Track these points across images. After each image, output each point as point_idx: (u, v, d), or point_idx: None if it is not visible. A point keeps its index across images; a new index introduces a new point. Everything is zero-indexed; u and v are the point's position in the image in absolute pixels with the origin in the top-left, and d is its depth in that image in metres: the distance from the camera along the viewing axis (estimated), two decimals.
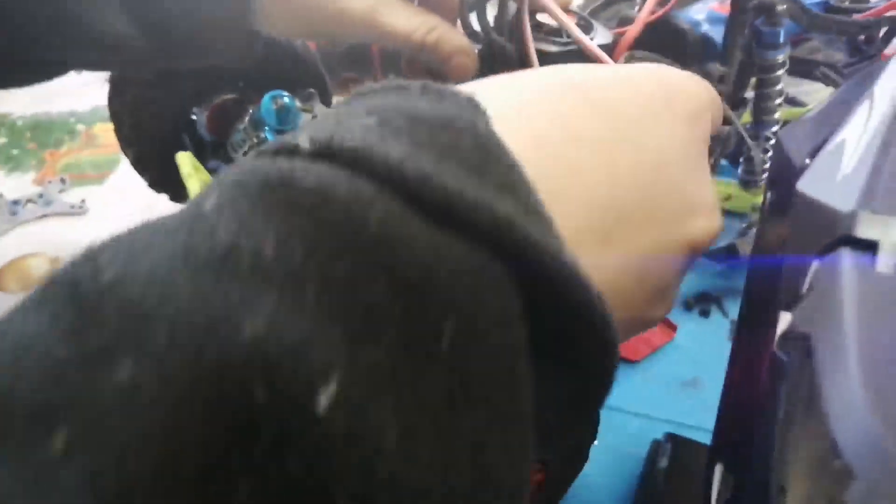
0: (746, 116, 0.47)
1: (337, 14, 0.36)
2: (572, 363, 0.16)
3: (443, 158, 0.14)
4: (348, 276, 0.12)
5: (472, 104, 0.17)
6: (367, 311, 0.12)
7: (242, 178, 0.14)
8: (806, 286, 0.18)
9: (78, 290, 0.12)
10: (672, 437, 0.42)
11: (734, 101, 0.45)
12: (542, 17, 0.40)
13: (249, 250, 0.12)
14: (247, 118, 0.47)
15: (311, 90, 0.46)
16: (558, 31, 0.40)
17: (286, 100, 0.43)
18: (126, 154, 0.55)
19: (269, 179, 0.13)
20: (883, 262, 0.16)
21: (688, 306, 0.55)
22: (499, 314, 0.14)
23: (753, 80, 0.44)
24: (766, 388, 0.19)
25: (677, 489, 0.39)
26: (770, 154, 0.44)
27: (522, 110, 0.18)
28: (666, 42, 0.43)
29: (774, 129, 0.45)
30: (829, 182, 0.19)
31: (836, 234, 0.17)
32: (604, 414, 0.40)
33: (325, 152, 0.14)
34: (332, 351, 0.12)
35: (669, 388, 0.49)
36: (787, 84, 0.57)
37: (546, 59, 0.39)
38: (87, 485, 0.10)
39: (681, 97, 0.20)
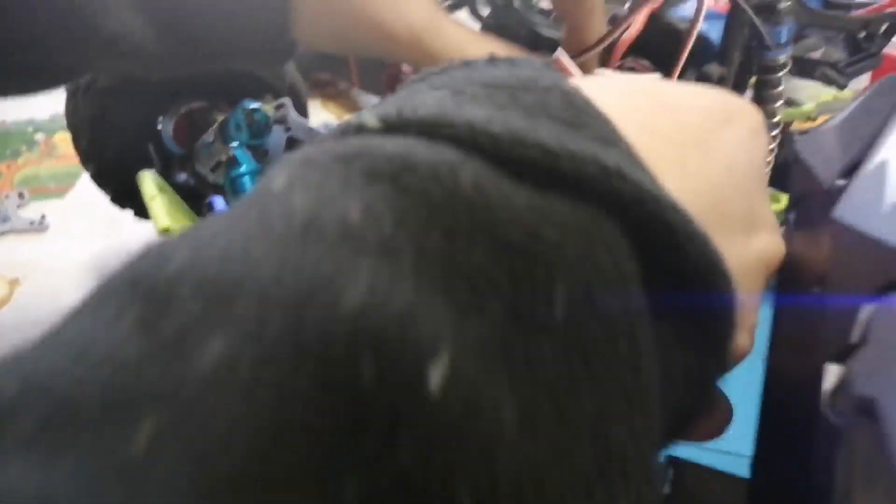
0: None
1: (383, 36, 0.33)
2: (688, 331, 0.14)
3: (532, 116, 0.14)
4: (444, 243, 0.11)
5: (548, 66, 0.16)
6: (468, 280, 0.11)
7: (311, 155, 0.13)
8: (857, 334, 0.16)
9: (141, 283, 0.11)
10: (673, 461, 0.40)
11: None
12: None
13: (333, 219, 0.11)
14: (214, 130, 0.44)
15: (285, 100, 0.43)
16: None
17: (258, 115, 0.40)
18: (86, 168, 0.51)
19: (341, 153, 0.12)
20: None
21: None
22: (616, 276, 0.13)
23: (752, 80, 0.42)
24: (814, 450, 0.16)
25: None
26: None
27: (595, 100, 0.16)
28: (659, 43, 0.40)
29: (775, 132, 0.43)
30: (876, 211, 0.17)
31: (893, 274, 0.15)
32: None
33: (396, 125, 0.13)
34: (439, 322, 0.11)
35: None
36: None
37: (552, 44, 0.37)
38: (183, 479, 0.09)
39: (741, 112, 0.20)
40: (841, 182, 0.21)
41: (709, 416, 0.19)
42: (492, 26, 0.37)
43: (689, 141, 0.17)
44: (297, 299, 0.10)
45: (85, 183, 0.70)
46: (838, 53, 0.48)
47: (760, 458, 0.22)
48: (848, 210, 0.18)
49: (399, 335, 0.10)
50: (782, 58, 0.40)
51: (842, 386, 0.16)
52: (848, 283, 0.16)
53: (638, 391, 0.13)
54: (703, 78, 0.40)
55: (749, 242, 0.18)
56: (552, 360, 0.12)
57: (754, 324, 0.19)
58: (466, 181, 0.12)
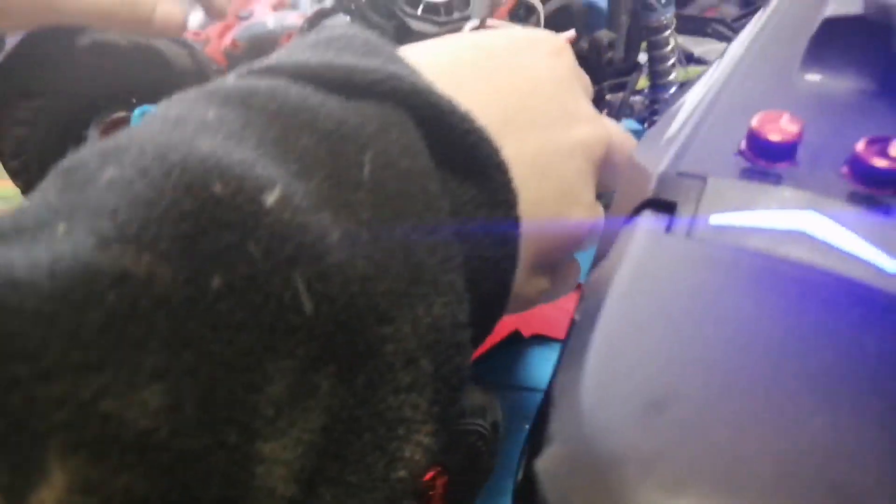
0: (644, 81, 0.46)
1: None
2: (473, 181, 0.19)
3: (340, 53, 0.19)
4: (279, 135, 0.16)
5: (359, 28, 0.21)
6: (299, 157, 0.16)
7: (188, 92, 0.17)
8: (600, 252, 0.18)
9: (65, 166, 0.15)
10: None
11: (628, 66, 0.45)
12: None
13: (194, 118, 0.16)
14: None
15: None
16: (437, 9, 0.39)
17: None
18: (17, 186, 0.53)
19: (209, 89, 0.17)
20: (679, 225, 0.15)
21: None
22: (405, 146, 0.17)
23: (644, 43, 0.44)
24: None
25: None
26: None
27: (418, 48, 0.23)
28: (549, 14, 0.42)
29: (673, 90, 0.45)
30: (652, 145, 0.19)
31: (646, 195, 0.17)
32: (527, 395, 0.39)
33: (259, 70, 0.18)
34: (274, 173, 0.15)
35: None
36: (692, 44, 0.57)
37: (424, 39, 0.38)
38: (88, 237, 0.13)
39: (542, 40, 0.25)
40: None
41: (563, 275, 0.24)
42: (359, 19, 0.38)
43: (495, 66, 0.22)
44: (165, 149, 0.14)
45: None
46: (733, 10, 0.50)
47: None
48: (639, 146, 0.20)
49: (241, 172, 0.14)
50: (666, 18, 0.41)
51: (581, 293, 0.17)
52: (624, 208, 0.17)
53: (434, 222, 0.17)
54: (594, 44, 0.42)
55: (569, 133, 0.22)
56: (368, 205, 0.16)
57: (588, 196, 0.23)
58: (294, 97, 0.17)
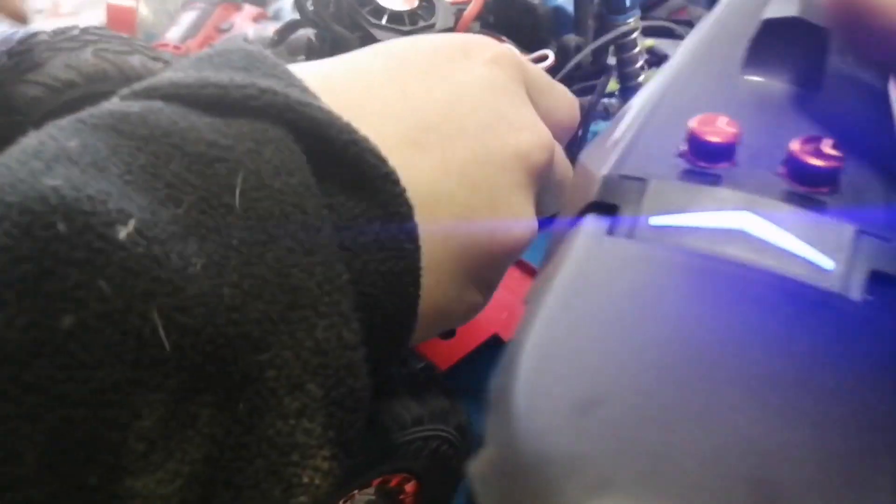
0: (613, 84, 0.47)
1: None
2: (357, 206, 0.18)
3: (218, 69, 0.18)
4: (148, 161, 0.15)
5: (248, 43, 0.21)
6: (168, 184, 0.15)
7: (63, 121, 0.17)
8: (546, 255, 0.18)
9: None
10: None
11: (597, 69, 0.45)
12: (384, 2, 0.39)
13: (53, 148, 0.15)
14: None
15: None
16: (401, 18, 0.39)
17: None
18: None
19: (83, 116, 0.17)
20: (620, 226, 0.15)
21: None
22: (280, 164, 0.17)
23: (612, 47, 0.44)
24: None
25: None
26: None
27: (327, 61, 0.22)
28: (515, 18, 0.42)
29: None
30: (598, 147, 0.19)
31: (590, 198, 0.17)
32: None
33: (136, 91, 0.18)
34: (132, 205, 0.14)
35: None
36: (665, 45, 0.57)
37: None
38: None
39: (479, 46, 0.24)
40: None
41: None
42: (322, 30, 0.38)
43: (411, 72, 0.21)
44: (5, 189, 0.14)
45: None
46: (700, 11, 0.50)
47: None
48: (587, 151, 0.20)
49: (90, 207, 0.14)
50: (631, 21, 0.42)
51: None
52: (571, 211, 0.18)
53: (313, 242, 0.16)
54: (561, 48, 0.42)
55: (504, 141, 0.22)
56: (238, 229, 0.16)
57: (523, 203, 0.22)
58: (165, 120, 0.16)
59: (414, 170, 0.19)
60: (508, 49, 0.24)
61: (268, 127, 0.17)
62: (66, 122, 0.16)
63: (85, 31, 0.44)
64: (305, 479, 0.16)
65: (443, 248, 0.20)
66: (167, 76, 0.18)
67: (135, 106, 0.17)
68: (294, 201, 0.17)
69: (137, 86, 0.18)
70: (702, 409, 0.12)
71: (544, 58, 0.36)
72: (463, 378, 0.38)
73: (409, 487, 0.30)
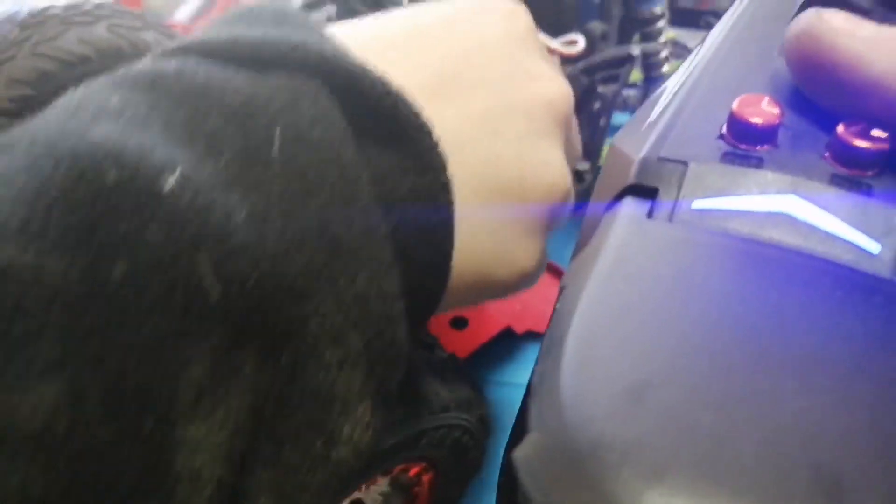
0: (637, 74, 0.46)
1: None
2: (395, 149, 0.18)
3: (251, 26, 0.18)
4: (186, 117, 0.16)
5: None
6: (207, 138, 0.15)
7: (101, 79, 0.17)
8: (582, 236, 0.17)
9: None
10: None
11: (620, 58, 0.44)
12: None
13: (95, 104, 0.15)
14: None
15: None
16: None
17: None
18: None
19: (118, 76, 0.17)
20: (661, 210, 0.15)
21: None
22: (317, 116, 0.17)
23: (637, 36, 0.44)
24: None
25: None
26: None
27: (345, 24, 0.21)
28: (540, 4, 0.42)
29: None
30: (634, 132, 0.19)
31: (627, 181, 0.16)
32: (519, 392, 0.39)
33: (170, 51, 0.18)
34: (175, 156, 0.14)
35: None
36: (686, 37, 0.56)
37: None
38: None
39: (492, 7, 0.24)
40: None
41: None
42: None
43: (427, 29, 0.22)
44: (56, 139, 0.14)
45: None
46: (727, 2, 0.49)
47: None
48: (620, 134, 0.20)
49: (137, 157, 0.14)
50: (658, 9, 0.41)
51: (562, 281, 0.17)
52: (606, 195, 0.17)
53: (351, 192, 0.17)
54: (586, 35, 0.42)
55: (526, 90, 0.22)
56: (279, 181, 0.16)
57: (554, 151, 0.22)
58: (201, 77, 0.17)
59: (437, 118, 0.19)
60: (521, 6, 0.25)
61: (303, 80, 0.17)
62: (101, 81, 0.17)
63: (98, 6, 0.44)
64: (346, 432, 0.16)
65: (473, 197, 0.20)
66: (199, 36, 0.18)
67: (170, 64, 0.17)
68: (331, 153, 0.17)
69: (171, 45, 0.18)
70: (756, 394, 0.11)
71: (574, 42, 0.36)
72: (475, 369, 0.38)
73: (426, 478, 0.29)
